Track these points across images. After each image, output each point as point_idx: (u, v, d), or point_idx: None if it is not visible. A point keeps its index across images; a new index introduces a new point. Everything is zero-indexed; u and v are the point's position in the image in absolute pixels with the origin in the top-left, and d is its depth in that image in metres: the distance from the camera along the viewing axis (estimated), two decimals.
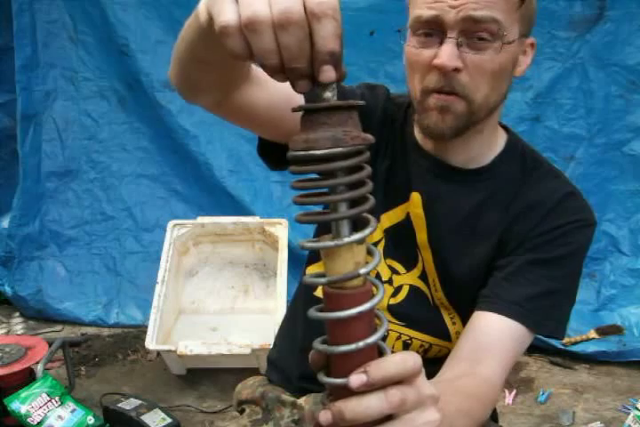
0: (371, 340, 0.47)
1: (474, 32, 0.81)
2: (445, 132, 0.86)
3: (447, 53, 0.80)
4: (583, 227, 0.92)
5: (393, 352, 0.49)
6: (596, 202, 2.29)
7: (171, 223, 2.48)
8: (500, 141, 0.97)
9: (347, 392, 0.46)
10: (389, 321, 1.00)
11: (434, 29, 0.82)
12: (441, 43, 0.82)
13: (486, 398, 0.82)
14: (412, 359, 0.47)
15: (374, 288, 0.50)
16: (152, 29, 2.58)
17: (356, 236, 0.47)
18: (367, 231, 0.47)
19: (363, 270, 0.47)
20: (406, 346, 1.01)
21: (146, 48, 2.58)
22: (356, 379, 0.46)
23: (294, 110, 0.47)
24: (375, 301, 0.48)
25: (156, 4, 2.55)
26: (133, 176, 2.75)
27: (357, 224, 0.49)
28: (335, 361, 0.49)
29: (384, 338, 0.99)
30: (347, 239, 0.46)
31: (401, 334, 1.00)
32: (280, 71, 0.46)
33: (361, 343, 0.47)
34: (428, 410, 0.48)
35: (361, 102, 0.48)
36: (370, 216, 0.50)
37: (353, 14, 2.46)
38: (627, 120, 2.55)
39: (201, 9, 0.53)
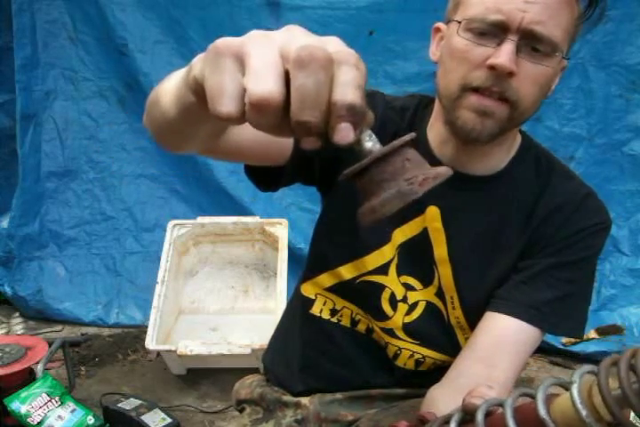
0: None
1: (536, 40, 0.77)
2: (483, 136, 0.81)
3: (508, 55, 0.75)
4: (603, 229, 0.91)
5: None
6: None
7: (171, 223, 2.48)
8: (514, 144, 0.94)
9: None
10: (404, 340, 0.98)
11: (494, 28, 0.77)
12: (499, 43, 0.77)
13: None
14: None
15: None
16: (151, 29, 2.56)
17: None
18: None
19: None
20: (419, 364, 1.00)
21: (144, 48, 2.57)
22: None
23: (341, 181, 0.39)
24: None
25: (155, 4, 2.55)
26: (133, 176, 2.74)
27: None
28: None
29: (395, 356, 0.99)
30: None
31: (414, 352, 0.99)
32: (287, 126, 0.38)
33: None
34: None
35: (411, 135, 0.40)
36: None
37: (353, 14, 2.46)
38: (627, 120, 2.55)
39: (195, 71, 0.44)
